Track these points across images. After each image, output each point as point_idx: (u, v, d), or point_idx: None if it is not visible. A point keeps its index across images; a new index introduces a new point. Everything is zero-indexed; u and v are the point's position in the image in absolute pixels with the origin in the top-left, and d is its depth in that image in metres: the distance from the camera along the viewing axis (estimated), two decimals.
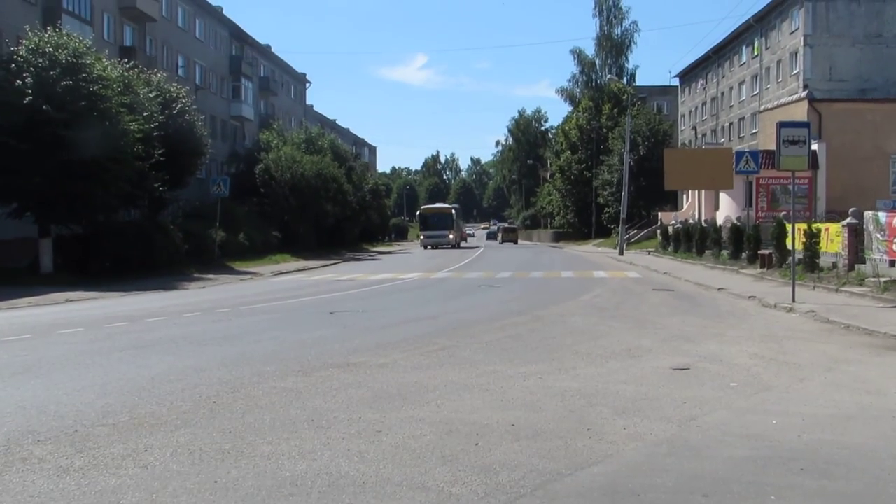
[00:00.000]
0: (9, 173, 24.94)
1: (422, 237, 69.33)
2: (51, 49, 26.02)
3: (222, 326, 14.41)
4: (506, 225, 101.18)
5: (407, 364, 9.84)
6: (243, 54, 61.78)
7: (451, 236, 67.12)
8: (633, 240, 57.01)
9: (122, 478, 5.38)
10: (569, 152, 77.39)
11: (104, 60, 28.11)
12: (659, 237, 48.96)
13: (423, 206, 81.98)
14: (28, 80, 24.82)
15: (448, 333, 12.86)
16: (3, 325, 14.65)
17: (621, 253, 46.97)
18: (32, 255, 28.22)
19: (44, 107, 24.28)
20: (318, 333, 13.06)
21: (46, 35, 26.76)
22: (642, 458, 5.82)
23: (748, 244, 28.80)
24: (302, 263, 40.19)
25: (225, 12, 59.25)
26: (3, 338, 12.68)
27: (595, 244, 64.07)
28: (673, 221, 49.04)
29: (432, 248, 65.28)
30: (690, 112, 77.72)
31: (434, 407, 7.44)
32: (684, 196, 54.86)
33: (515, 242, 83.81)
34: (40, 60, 25.55)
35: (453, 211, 73.15)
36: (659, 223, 55.75)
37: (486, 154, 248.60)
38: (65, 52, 26.13)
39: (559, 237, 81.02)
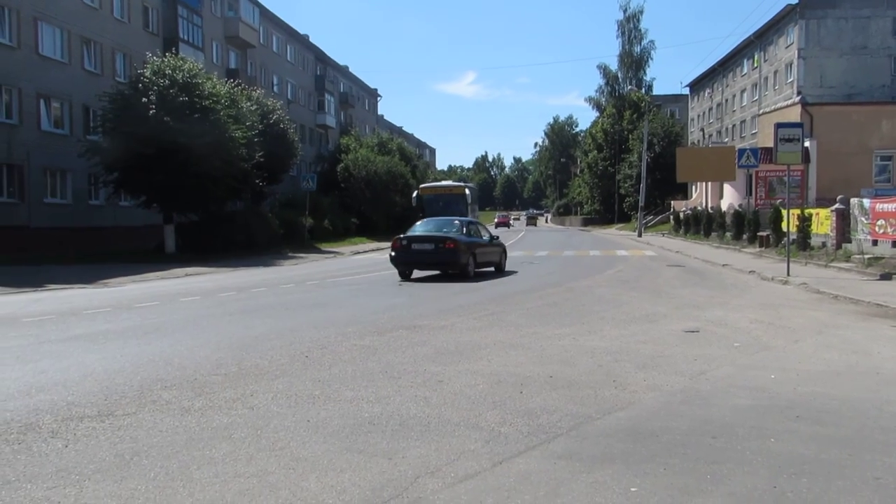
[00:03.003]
0: (138, 172, 25.49)
1: None
2: (170, 71, 26.39)
3: (312, 295, 14.56)
4: (531, 213, 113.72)
5: (463, 326, 9.83)
6: (326, 74, 62.03)
7: None
8: (649, 224, 56.21)
9: (232, 417, 5.46)
10: (595, 151, 76.77)
11: (213, 80, 28.44)
12: (672, 222, 48.23)
13: (422, 186, 43.56)
14: (152, 96, 25.20)
15: (496, 301, 12.83)
16: (136, 294, 14.96)
17: (640, 235, 46.34)
18: (158, 238, 28.85)
19: (165, 118, 24.63)
20: (389, 301, 13.11)
21: (166, 60, 27.18)
22: (660, 405, 5.74)
23: (748, 227, 28.25)
24: (375, 244, 40.38)
25: (311, 39, 59.59)
26: (136, 304, 12.96)
27: (617, 228, 63.31)
28: (684, 208, 48.23)
29: None
30: (699, 116, 75.98)
31: (485, 362, 7.42)
32: (693, 187, 53.83)
33: (535, 225, 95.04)
34: (162, 80, 25.93)
35: (467, 191, 40.58)
36: (672, 210, 54.85)
37: (526, 153, 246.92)
38: (181, 73, 26.49)
39: (587, 222, 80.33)
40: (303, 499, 3.86)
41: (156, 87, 25.59)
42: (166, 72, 26.32)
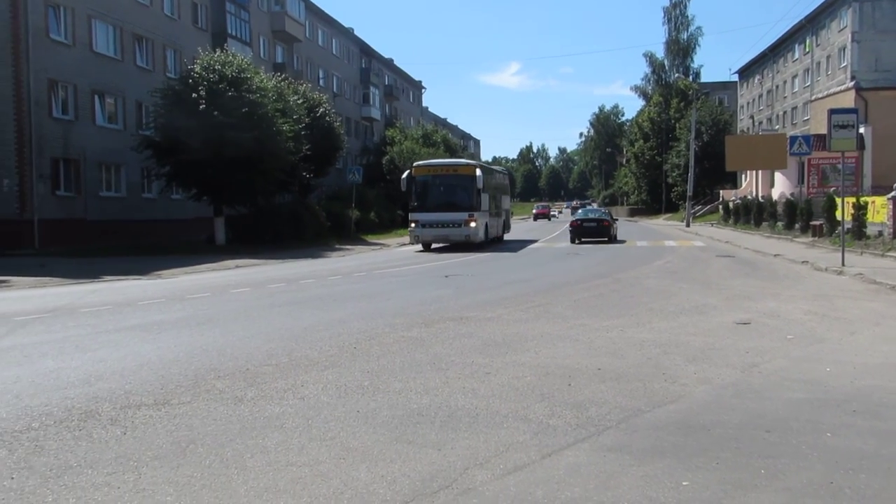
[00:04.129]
0: (189, 166, 25.95)
1: (412, 225, 27.46)
2: (219, 66, 26.74)
3: (359, 287, 14.65)
4: (570, 205, 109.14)
5: (509, 318, 9.81)
6: (371, 67, 62.30)
7: (472, 224, 26.55)
8: (698, 214, 55.30)
9: (284, 406, 5.55)
10: (642, 141, 75.81)
11: (261, 74, 28.76)
12: (721, 211, 47.33)
13: (416, 164, 29.15)
14: (202, 91, 25.55)
15: (542, 293, 12.77)
16: (188, 286, 15.21)
17: (688, 225, 45.62)
18: (208, 230, 29.39)
19: (214, 113, 24.94)
20: (436, 293, 13.13)
21: (215, 55, 27.55)
22: (711, 398, 5.65)
23: (801, 216, 27.60)
24: None
25: (356, 33, 59.87)
26: (189, 295, 13.21)
27: (665, 218, 62.43)
28: (733, 198, 47.31)
29: (434, 245, 28.06)
30: (748, 103, 74.31)
31: (533, 353, 7.39)
32: (743, 176, 52.79)
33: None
34: (211, 76, 26.29)
35: (478, 172, 27.31)
36: (721, 199, 53.81)
37: (571, 144, 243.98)
38: (230, 68, 26.82)
39: (633, 213, 79.44)
40: (353, 488, 3.90)
41: (205, 83, 25.95)
42: (215, 67, 26.67)
